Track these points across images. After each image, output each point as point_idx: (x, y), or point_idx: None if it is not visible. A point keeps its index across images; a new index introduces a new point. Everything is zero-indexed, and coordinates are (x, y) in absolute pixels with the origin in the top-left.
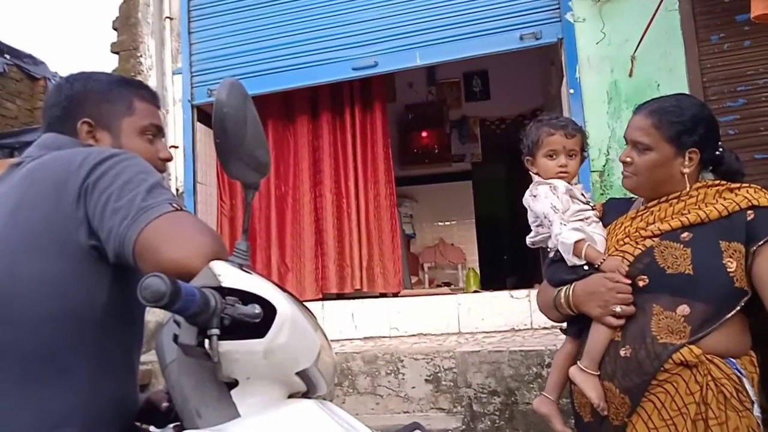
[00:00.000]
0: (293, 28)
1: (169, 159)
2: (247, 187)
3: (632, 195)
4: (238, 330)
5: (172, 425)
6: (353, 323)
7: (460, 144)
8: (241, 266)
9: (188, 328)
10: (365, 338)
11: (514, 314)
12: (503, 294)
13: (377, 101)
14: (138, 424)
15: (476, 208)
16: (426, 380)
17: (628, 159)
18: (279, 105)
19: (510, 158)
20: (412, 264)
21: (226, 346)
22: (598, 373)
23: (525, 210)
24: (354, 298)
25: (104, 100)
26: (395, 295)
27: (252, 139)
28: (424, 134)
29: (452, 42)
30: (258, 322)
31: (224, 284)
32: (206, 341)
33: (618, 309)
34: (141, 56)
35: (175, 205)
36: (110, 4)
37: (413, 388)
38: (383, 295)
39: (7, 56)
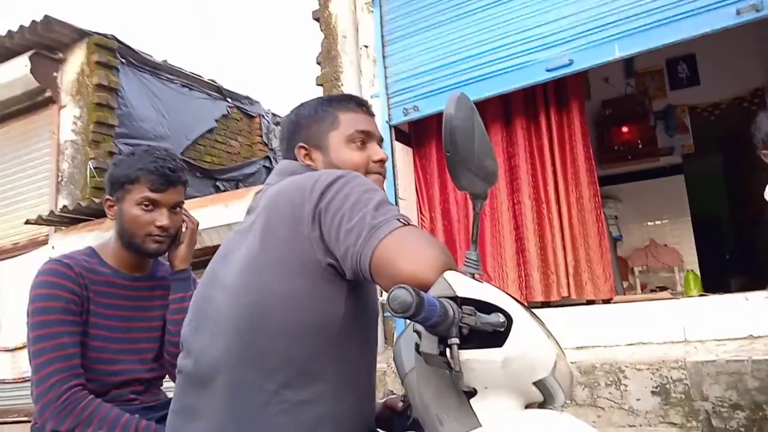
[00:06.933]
0: (482, 38)
1: (384, 159)
2: (475, 198)
3: None
4: (472, 340)
5: None
6: (565, 332)
7: (667, 136)
8: (473, 275)
9: (429, 337)
10: (578, 348)
11: (751, 319)
12: (735, 297)
13: (573, 100)
14: (378, 430)
15: (691, 204)
16: (653, 392)
17: None
18: None
19: (728, 147)
20: (621, 268)
21: (466, 355)
22: None
23: (747, 203)
24: (560, 306)
25: (312, 121)
26: (606, 302)
27: (480, 150)
28: (624, 129)
29: (655, 28)
30: (492, 332)
31: (459, 294)
32: (447, 350)
33: None
34: (342, 85)
35: (402, 220)
36: (315, 42)
37: (638, 400)
38: (591, 303)
39: (229, 100)
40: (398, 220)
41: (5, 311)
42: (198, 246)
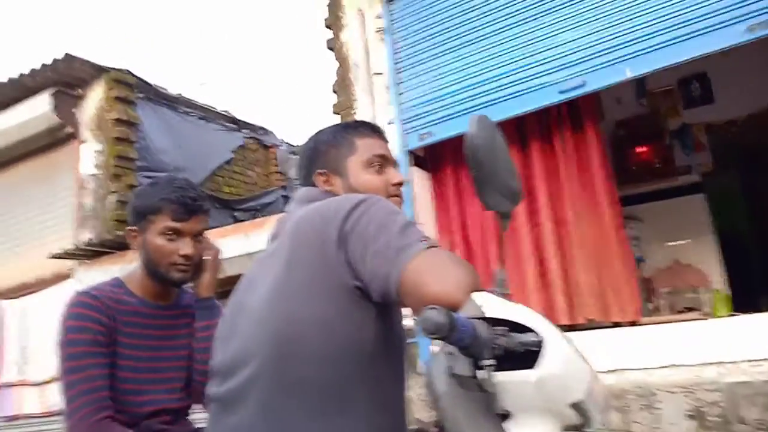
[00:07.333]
0: (493, 62)
1: (402, 183)
2: (501, 217)
3: None
4: (503, 361)
5: None
6: (594, 354)
7: (684, 155)
8: (501, 295)
9: (462, 359)
10: (608, 371)
11: None
12: (767, 317)
13: (588, 121)
14: None
15: (714, 222)
16: (688, 416)
17: None
18: None
19: (747, 163)
20: (645, 290)
21: (499, 376)
22: None
23: None
24: (586, 329)
25: (331, 147)
26: (632, 324)
27: (504, 169)
28: (640, 150)
29: (665, 48)
30: (523, 353)
31: (488, 314)
32: (480, 372)
33: None
34: (356, 113)
35: (428, 242)
36: (331, 71)
37: (672, 424)
38: (617, 325)
39: (245, 131)
40: (424, 241)
41: (32, 346)
42: (219, 276)
